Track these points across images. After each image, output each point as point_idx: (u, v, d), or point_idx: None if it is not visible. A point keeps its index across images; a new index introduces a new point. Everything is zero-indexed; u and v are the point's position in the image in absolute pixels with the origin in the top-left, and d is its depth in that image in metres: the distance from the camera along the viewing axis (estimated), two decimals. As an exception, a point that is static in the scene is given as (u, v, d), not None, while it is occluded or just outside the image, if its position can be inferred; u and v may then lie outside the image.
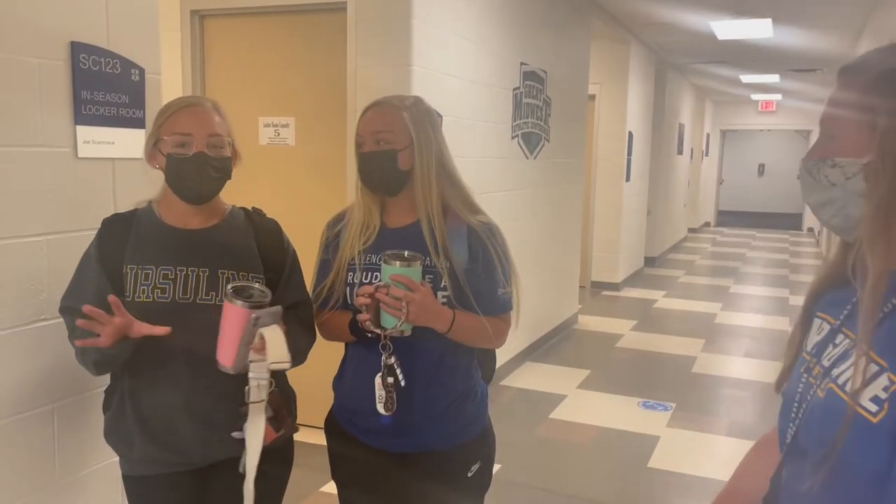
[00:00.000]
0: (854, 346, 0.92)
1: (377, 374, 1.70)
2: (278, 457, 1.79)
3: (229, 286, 1.59)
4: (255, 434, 1.61)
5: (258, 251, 1.77)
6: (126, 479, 1.78)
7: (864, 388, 0.88)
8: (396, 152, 1.72)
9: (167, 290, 1.65)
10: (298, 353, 1.73)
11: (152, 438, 1.70)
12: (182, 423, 1.68)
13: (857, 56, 0.98)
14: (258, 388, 1.59)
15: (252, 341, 1.54)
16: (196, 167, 1.65)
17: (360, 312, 1.66)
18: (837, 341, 0.98)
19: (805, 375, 1.02)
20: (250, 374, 1.57)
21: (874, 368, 0.88)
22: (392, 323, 1.62)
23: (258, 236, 1.79)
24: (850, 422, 0.88)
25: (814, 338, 1.05)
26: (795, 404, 1.02)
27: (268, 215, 1.87)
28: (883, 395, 0.86)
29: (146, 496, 1.76)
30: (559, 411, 4.62)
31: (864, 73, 0.95)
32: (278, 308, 1.58)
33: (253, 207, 1.85)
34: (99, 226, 1.75)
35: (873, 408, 0.87)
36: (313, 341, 1.82)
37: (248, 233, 1.78)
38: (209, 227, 1.75)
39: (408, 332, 1.65)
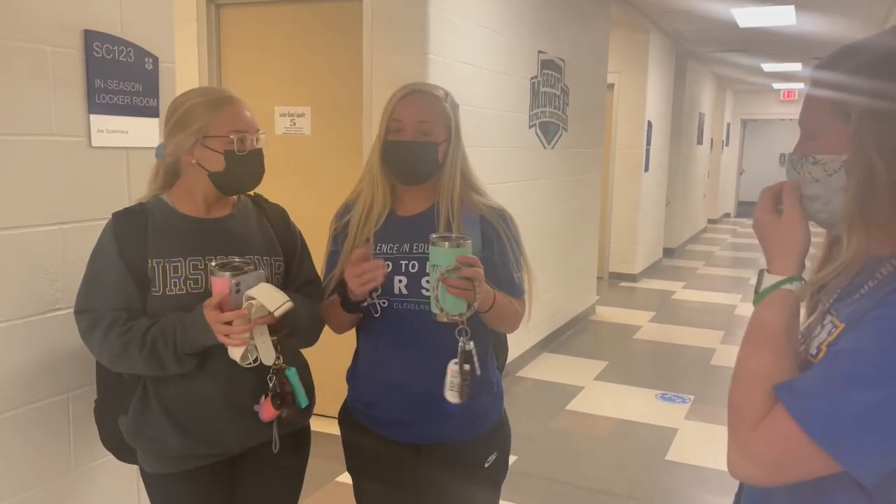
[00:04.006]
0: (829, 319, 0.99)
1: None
2: (293, 445, 1.78)
3: (213, 263, 1.60)
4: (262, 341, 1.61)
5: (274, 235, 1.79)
6: (154, 476, 1.73)
7: (819, 342, 0.96)
8: (437, 145, 1.70)
9: (199, 281, 1.64)
10: (308, 329, 1.73)
11: (189, 433, 1.67)
12: (219, 413, 1.67)
13: (828, 55, 1.00)
14: (264, 344, 1.60)
15: (240, 307, 1.54)
16: (256, 162, 1.69)
17: (339, 291, 1.66)
18: (825, 322, 1.01)
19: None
20: (254, 341, 1.58)
21: (831, 327, 0.96)
22: (462, 307, 1.56)
23: (270, 221, 1.81)
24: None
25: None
26: None
27: (280, 204, 1.87)
28: (826, 339, 0.95)
29: (178, 492, 1.72)
30: (576, 403, 4.60)
31: (840, 66, 0.97)
32: (260, 272, 1.58)
33: (255, 193, 1.85)
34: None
35: (814, 352, 0.96)
36: (325, 322, 1.82)
37: (261, 218, 1.80)
38: (227, 216, 1.75)
39: (468, 314, 1.59)
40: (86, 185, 2.01)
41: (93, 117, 2.00)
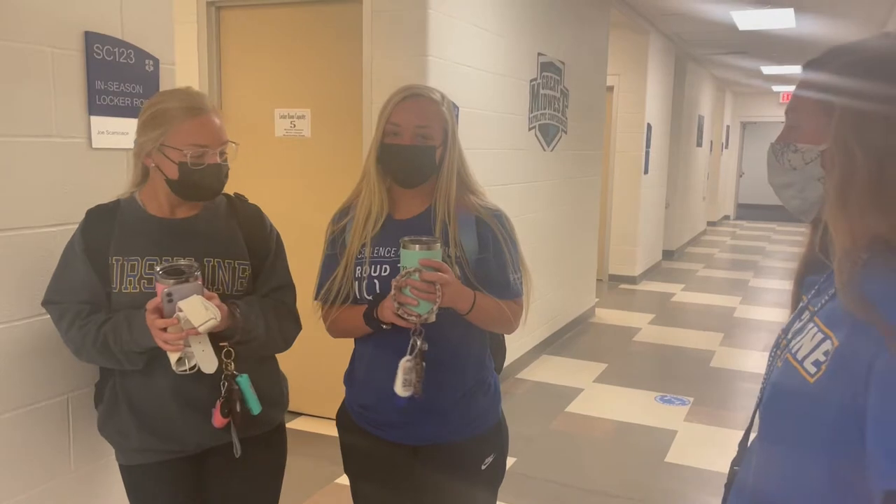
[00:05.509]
0: (811, 319, 0.99)
1: (402, 357, 1.65)
2: (266, 444, 1.80)
3: (158, 268, 1.60)
4: (204, 358, 1.60)
5: (242, 237, 1.77)
6: (123, 468, 1.80)
7: (810, 354, 0.95)
8: (435, 149, 1.71)
9: (153, 281, 1.64)
10: (266, 337, 1.71)
11: (147, 428, 1.71)
12: (174, 412, 1.69)
13: (823, 52, 1.06)
14: (204, 353, 1.59)
15: (172, 316, 1.53)
16: (212, 177, 1.67)
17: (370, 304, 1.64)
18: (803, 317, 1.04)
19: (774, 350, 1.11)
20: (191, 349, 1.58)
21: (820, 336, 0.95)
22: (427, 308, 1.59)
23: (241, 223, 1.79)
24: (793, 377, 0.95)
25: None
26: (763, 381, 1.11)
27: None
28: (822, 359, 0.92)
29: (144, 484, 1.78)
30: (575, 405, 4.60)
31: (829, 64, 1.02)
32: (197, 284, 1.57)
33: (235, 193, 1.85)
34: None
35: (812, 370, 0.94)
36: (298, 328, 1.82)
37: (230, 219, 1.79)
38: (192, 216, 1.75)
39: (433, 319, 1.62)
40: (86, 187, 2.01)
41: (93, 119, 2.00)
